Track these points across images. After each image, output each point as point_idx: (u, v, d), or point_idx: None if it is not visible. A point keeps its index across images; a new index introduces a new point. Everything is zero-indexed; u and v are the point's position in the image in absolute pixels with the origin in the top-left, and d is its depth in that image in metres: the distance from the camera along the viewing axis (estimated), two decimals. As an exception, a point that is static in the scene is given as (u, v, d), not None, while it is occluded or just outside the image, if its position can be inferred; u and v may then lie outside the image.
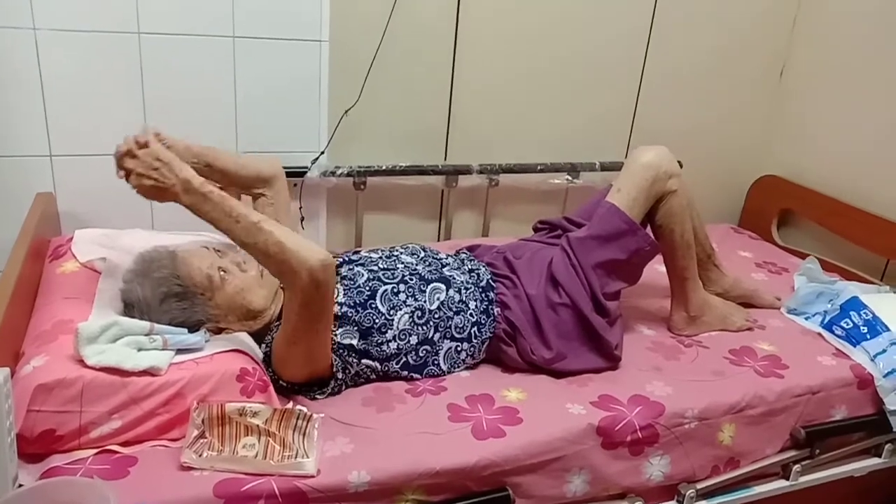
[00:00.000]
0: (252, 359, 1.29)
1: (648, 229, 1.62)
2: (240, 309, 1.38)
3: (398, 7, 1.95)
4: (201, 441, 1.12)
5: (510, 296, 1.52)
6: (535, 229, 1.76)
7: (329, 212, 2.07)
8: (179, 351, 1.24)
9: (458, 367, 1.49)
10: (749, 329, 1.76)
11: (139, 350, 1.18)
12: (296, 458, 1.12)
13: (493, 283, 1.55)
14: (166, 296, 1.31)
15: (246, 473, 1.11)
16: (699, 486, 1.43)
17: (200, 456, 1.10)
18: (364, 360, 1.39)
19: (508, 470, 1.25)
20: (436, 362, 1.46)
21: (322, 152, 1.97)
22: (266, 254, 1.18)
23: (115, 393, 1.13)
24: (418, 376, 1.45)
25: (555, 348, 1.49)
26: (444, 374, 1.47)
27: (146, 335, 1.20)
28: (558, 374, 1.49)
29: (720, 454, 1.45)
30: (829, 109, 2.39)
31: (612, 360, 1.53)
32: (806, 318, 1.82)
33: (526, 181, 2.26)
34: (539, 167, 2.25)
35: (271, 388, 1.26)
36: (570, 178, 2.29)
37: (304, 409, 1.17)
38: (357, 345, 1.38)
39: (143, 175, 1.20)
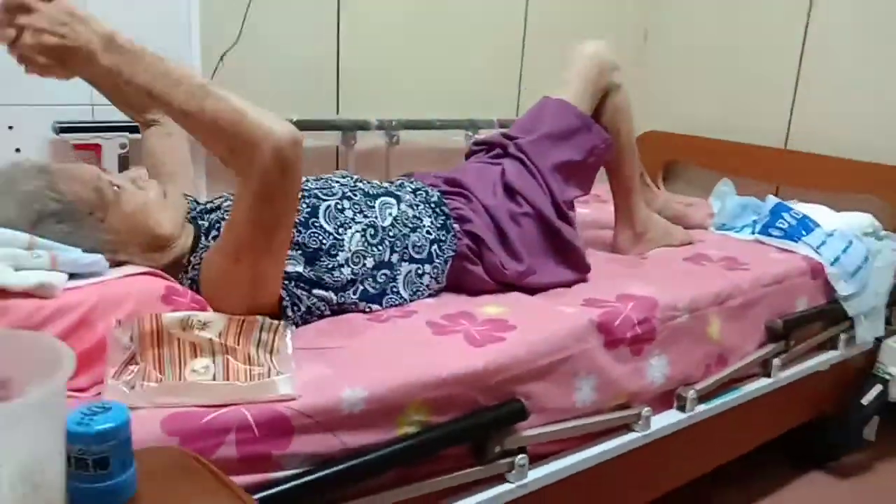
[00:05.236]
0: (175, 281, 0.98)
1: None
2: (143, 233, 1.05)
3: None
4: (131, 368, 0.79)
5: (467, 209, 1.33)
6: (470, 153, 1.57)
7: (208, 176, 1.75)
8: (73, 276, 0.90)
9: (421, 293, 1.25)
10: (690, 243, 1.69)
11: (17, 270, 0.84)
12: (269, 376, 0.83)
13: (444, 200, 1.34)
14: (41, 216, 0.96)
15: (203, 406, 0.80)
16: (697, 387, 1.30)
17: (133, 389, 0.78)
18: (316, 291, 1.12)
19: (519, 376, 1.04)
20: (395, 290, 1.22)
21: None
22: (215, 125, 0.88)
23: (-13, 323, 0.78)
24: (378, 307, 1.19)
25: (525, 261, 1.30)
26: (407, 302, 1.23)
27: (26, 249, 0.86)
28: (530, 291, 1.30)
29: (711, 350, 1.34)
30: (691, 63, 2.49)
31: (582, 270, 1.37)
32: (736, 231, 1.80)
33: (425, 139, 2.09)
34: (438, 122, 2.09)
35: (211, 309, 0.95)
36: (469, 133, 2.15)
37: (268, 319, 0.88)
38: (305, 272, 1.11)
39: (47, 31, 0.85)
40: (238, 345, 0.85)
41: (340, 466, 0.84)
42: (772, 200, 1.79)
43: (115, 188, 1.04)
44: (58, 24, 0.86)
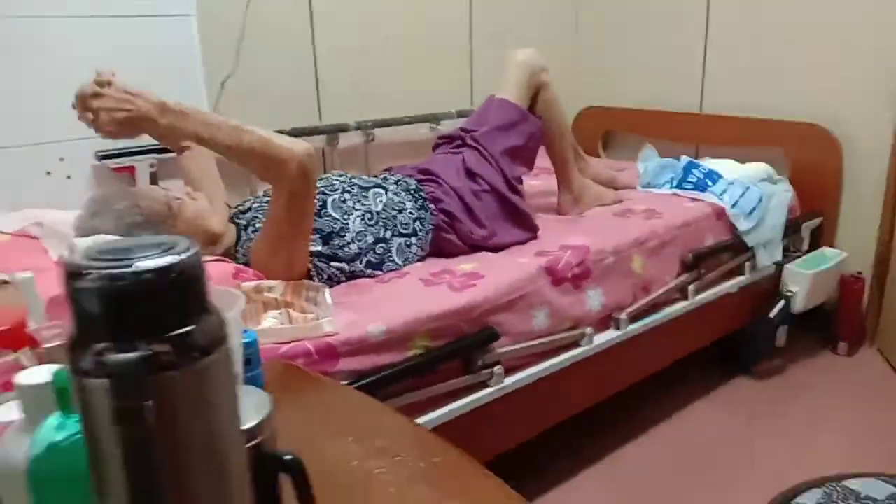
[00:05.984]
0: (236, 265, 1.34)
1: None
2: (201, 233, 1.41)
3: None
4: (226, 322, 1.16)
5: (439, 192, 1.70)
6: (435, 146, 1.95)
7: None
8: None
9: (411, 260, 1.63)
10: (620, 201, 2.08)
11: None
12: (317, 319, 1.20)
13: (420, 186, 1.71)
14: (131, 227, 1.32)
15: (276, 343, 1.17)
16: (628, 310, 1.71)
17: (229, 335, 1.15)
18: (333, 263, 1.49)
19: (489, 309, 1.42)
20: (391, 258, 1.59)
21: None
22: (251, 152, 1.23)
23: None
24: (380, 272, 1.57)
25: (488, 227, 1.69)
26: (401, 267, 1.60)
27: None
28: (494, 250, 1.69)
29: (636, 282, 1.74)
30: (620, 49, 2.88)
31: (532, 230, 1.76)
32: (658, 188, 2.20)
33: (396, 134, 2.45)
34: (406, 119, 2.46)
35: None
36: (433, 126, 2.52)
37: (311, 282, 1.25)
38: (323, 250, 1.48)
39: (116, 109, 1.19)
40: (294, 300, 1.22)
41: (373, 377, 1.22)
42: (684, 160, 2.20)
43: (177, 200, 1.39)
44: (122, 102, 1.20)
